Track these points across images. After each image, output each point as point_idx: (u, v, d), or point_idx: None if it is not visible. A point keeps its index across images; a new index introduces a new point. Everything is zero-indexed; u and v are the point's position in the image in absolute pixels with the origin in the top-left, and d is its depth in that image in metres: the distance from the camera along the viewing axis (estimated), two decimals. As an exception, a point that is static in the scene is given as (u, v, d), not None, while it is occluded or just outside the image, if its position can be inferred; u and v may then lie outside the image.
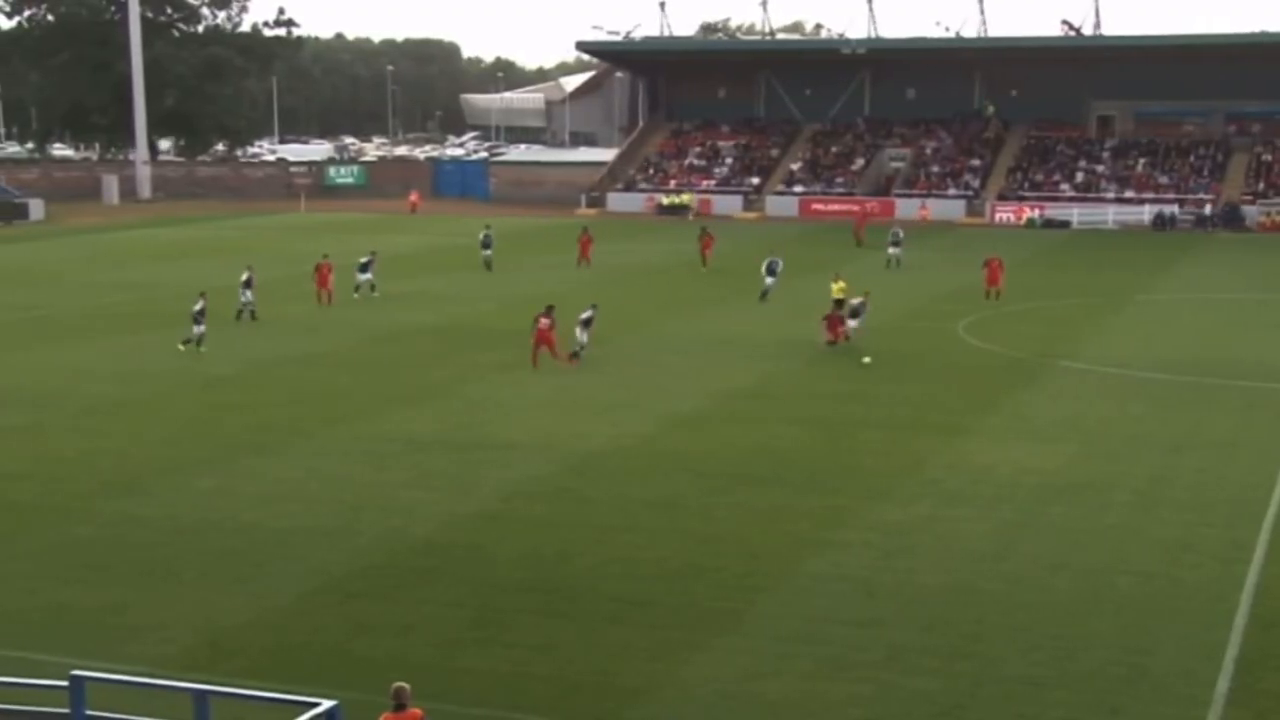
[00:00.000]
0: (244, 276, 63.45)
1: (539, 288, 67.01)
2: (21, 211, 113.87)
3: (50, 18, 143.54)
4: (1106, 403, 47.19)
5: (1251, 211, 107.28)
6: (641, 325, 61.55)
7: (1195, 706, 24.08)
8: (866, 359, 52.51)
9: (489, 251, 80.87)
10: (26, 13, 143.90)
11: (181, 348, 54.30)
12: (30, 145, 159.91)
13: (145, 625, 27.79)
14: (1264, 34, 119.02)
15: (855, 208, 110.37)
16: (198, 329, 54.96)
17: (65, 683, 17.94)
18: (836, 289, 61.56)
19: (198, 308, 55.07)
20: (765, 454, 40.54)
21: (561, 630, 27.67)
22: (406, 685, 19.18)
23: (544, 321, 51.66)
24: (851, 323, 56.32)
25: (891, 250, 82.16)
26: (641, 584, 30.19)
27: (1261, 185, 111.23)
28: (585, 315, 53.46)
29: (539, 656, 26.32)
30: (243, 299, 62.01)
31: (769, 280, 70.56)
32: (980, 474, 38.34)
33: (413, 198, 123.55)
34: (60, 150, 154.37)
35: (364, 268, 71.32)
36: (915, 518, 34.70)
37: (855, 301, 57.63)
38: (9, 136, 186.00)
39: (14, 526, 34.11)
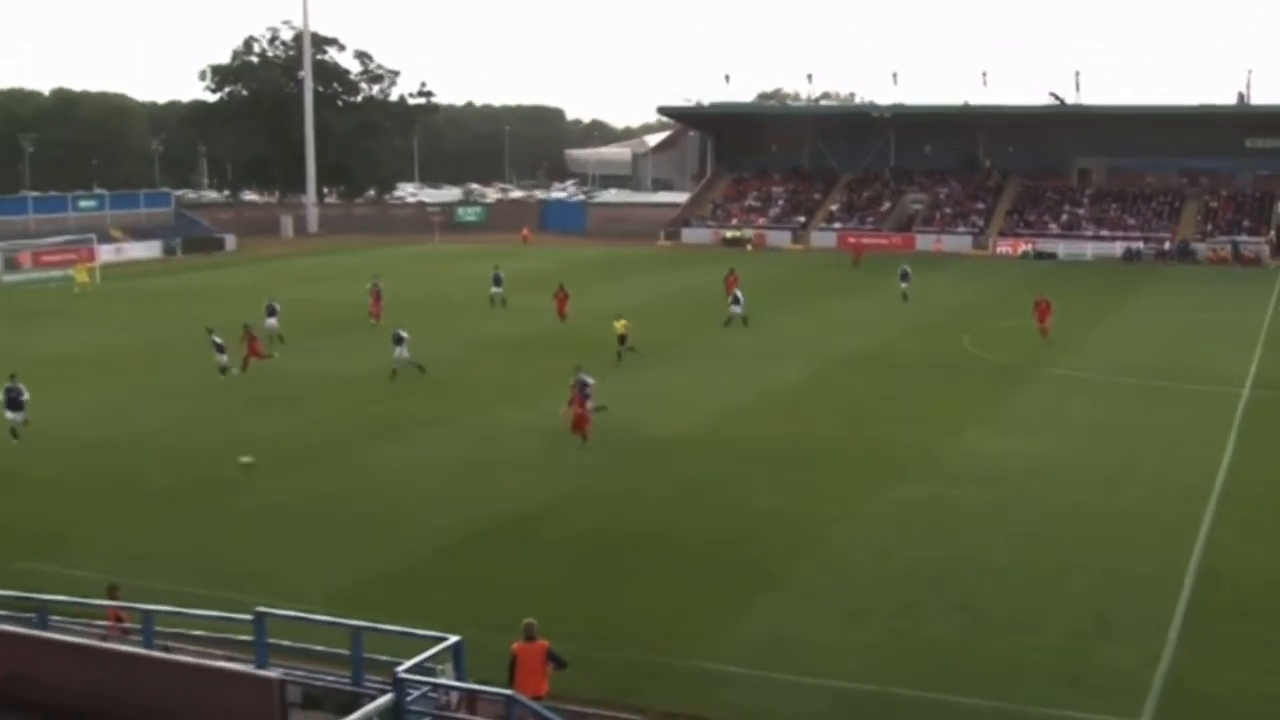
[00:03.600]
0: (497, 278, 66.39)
1: (621, 302, 66.94)
2: (220, 244, 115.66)
3: (244, 92, 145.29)
4: (1081, 401, 46.87)
5: (1201, 248, 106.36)
6: (699, 336, 61.52)
7: (1151, 648, 24.04)
8: (246, 459, 37.52)
9: (499, 289, 72.38)
10: (227, 89, 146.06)
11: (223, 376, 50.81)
12: (226, 192, 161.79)
13: (307, 575, 28.23)
14: (1211, 106, 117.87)
15: (859, 239, 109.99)
16: (221, 357, 50.74)
17: (250, 616, 18.24)
18: (620, 326, 54.91)
19: (218, 340, 51.19)
20: (800, 442, 40.55)
21: (634, 584, 27.84)
22: (534, 620, 19.37)
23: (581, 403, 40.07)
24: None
25: (903, 285, 74.97)
26: (700, 549, 30.29)
27: (1209, 227, 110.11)
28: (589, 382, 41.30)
29: (616, 605, 26.51)
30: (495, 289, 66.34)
31: (903, 285, 73.91)
32: (978, 459, 38.21)
33: (524, 232, 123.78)
34: (249, 196, 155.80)
35: (497, 281, 72.01)
36: (925, 495, 34.65)
37: (588, 380, 41.25)
38: (210, 185, 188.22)
39: (213, 493, 34.70)
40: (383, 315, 64.31)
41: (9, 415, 40.63)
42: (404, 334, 51.02)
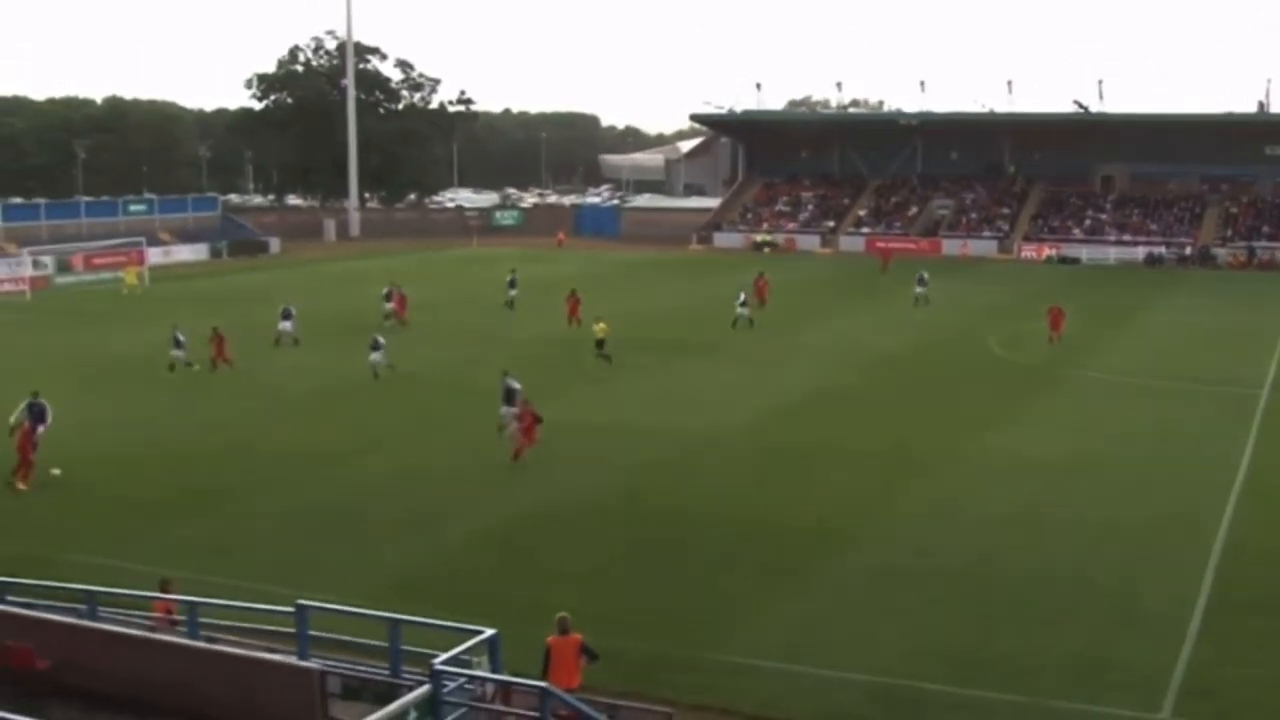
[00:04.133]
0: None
1: (654, 304, 66.90)
2: (264, 247, 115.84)
3: (289, 100, 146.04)
4: (1105, 402, 46.61)
5: (1221, 253, 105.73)
6: (730, 337, 61.42)
7: (1172, 643, 23.88)
8: (55, 470, 35.72)
9: (514, 292, 72.17)
10: (272, 97, 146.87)
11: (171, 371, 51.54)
12: (271, 196, 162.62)
13: (349, 565, 28.26)
14: (1231, 114, 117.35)
15: (888, 244, 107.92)
16: (177, 353, 51.73)
17: (292, 609, 18.23)
18: (599, 329, 54.02)
19: (180, 336, 52.10)
20: (829, 442, 40.41)
21: (666, 579, 27.77)
22: (568, 614, 19.36)
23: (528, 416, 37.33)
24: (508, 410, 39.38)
25: (919, 289, 74.32)
26: (737, 540, 30.26)
27: (1229, 232, 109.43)
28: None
29: (653, 598, 26.47)
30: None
31: (918, 289, 73.78)
32: (1004, 459, 38.01)
33: (560, 236, 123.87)
34: (293, 200, 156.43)
35: (512, 284, 72.25)
36: (952, 493, 34.49)
37: (515, 386, 40.10)
38: (255, 190, 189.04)
39: (259, 487, 34.78)
40: (408, 315, 64.77)
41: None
42: (381, 340, 50.93)
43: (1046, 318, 59.57)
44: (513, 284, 73.05)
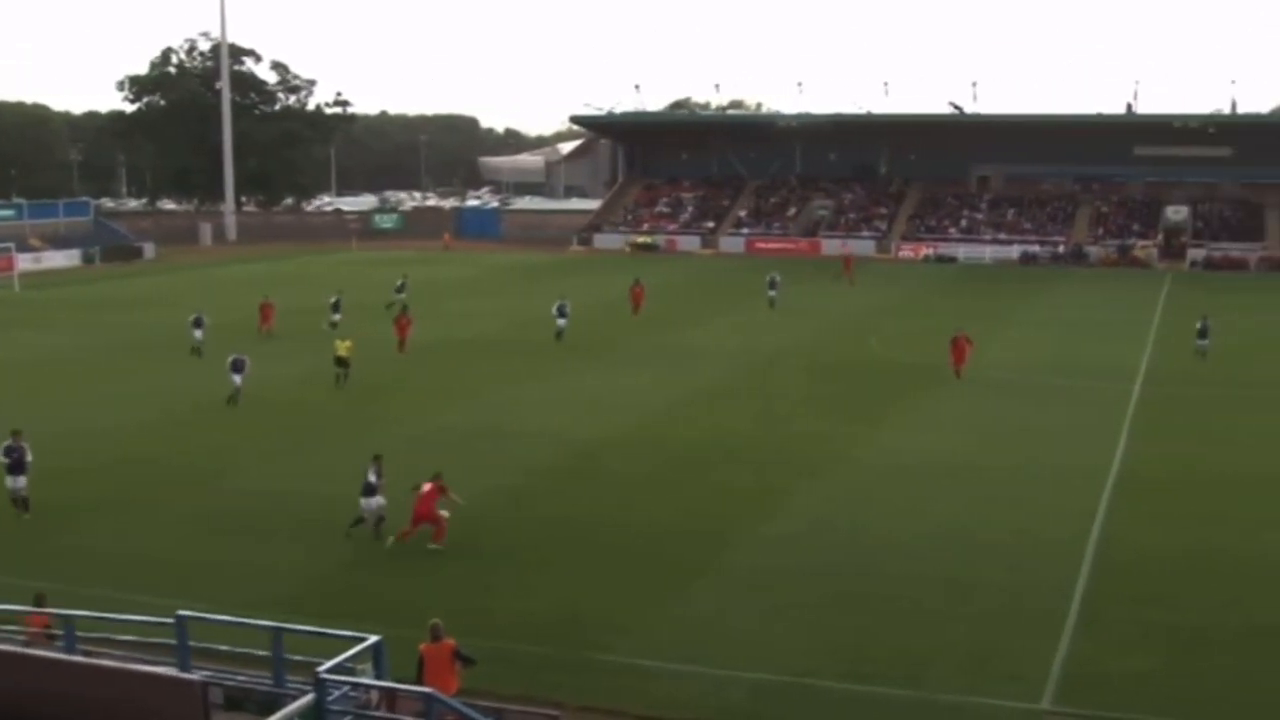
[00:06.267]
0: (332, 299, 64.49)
1: (536, 307, 66.70)
2: (138, 253, 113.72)
3: (163, 102, 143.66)
4: (985, 400, 47.32)
5: (1094, 251, 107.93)
6: (626, 341, 61.45)
7: (1053, 636, 24.28)
8: None
9: (402, 295, 70.63)
10: (145, 100, 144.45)
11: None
12: (145, 200, 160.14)
13: (241, 575, 27.83)
14: (1101, 115, 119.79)
15: (843, 250, 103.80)
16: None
17: (172, 620, 17.90)
18: (343, 347, 49.74)
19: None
20: (718, 442, 40.56)
21: (566, 578, 27.74)
22: (439, 621, 19.23)
23: (426, 487, 30.03)
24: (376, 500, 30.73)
25: (771, 293, 73.51)
26: (630, 542, 30.26)
27: (1100, 231, 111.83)
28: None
29: (541, 601, 26.36)
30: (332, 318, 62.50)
31: (772, 294, 72.30)
32: (889, 456, 38.48)
33: (446, 238, 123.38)
34: (168, 204, 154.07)
35: (400, 289, 71.68)
36: (840, 490, 34.83)
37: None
38: (129, 194, 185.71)
39: (142, 498, 34.12)
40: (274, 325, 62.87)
41: (9, 481, 32.82)
42: (245, 360, 47.53)
43: (950, 350, 51.93)
44: (401, 289, 72.70)
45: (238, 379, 46.72)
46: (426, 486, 29.83)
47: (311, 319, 64.36)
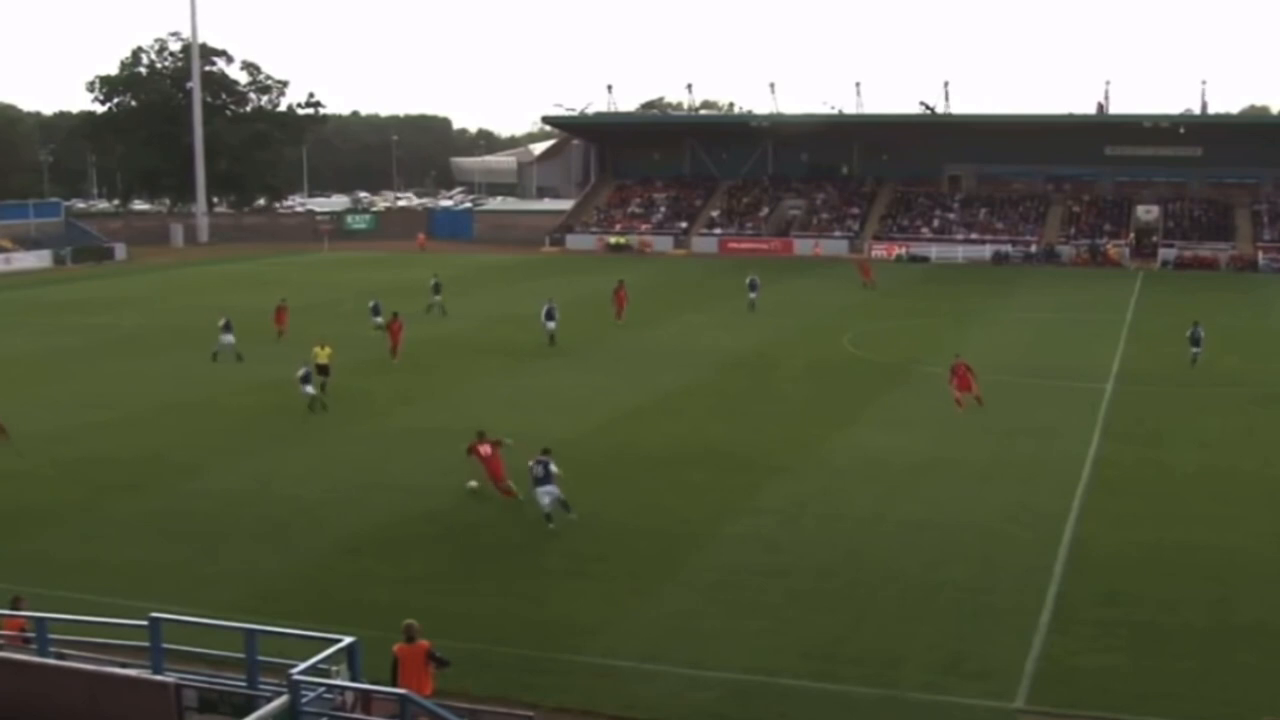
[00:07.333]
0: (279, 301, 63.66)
1: (508, 307, 66.64)
2: (109, 254, 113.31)
3: (133, 103, 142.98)
4: (957, 398, 47.48)
5: (1065, 250, 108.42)
6: (598, 340, 61.42)
7: (1025, 634, 24.35)
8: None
9: (438, 298, 70.45)
10: (115, 100, 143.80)
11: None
12: (116, 201, 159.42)
13: (207, 577, 27.73)
14: (1072, 115, 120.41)
15: (859, 256, 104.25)
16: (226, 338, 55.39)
17: (145, 622, 17.86)
18: (322, 354, 48.23)
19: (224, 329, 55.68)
20: (689, 442, 40.58)
21: (534, 580, 27.70)
22: (415, 621, 19.19)
23: (485, 450, 33.96)
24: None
25: (751, 295, 72.84)
26: (598, 543, 30.24)
27: (1072, 230, 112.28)
28: None
29: (515, 602, 26.34)
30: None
31: (752, 296, 72.20)
32: (861, 455, 38.54)
33: (420, 239, 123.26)
34: (139, 205, 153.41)
35: (436, 289, 70.97)
36: (811, 490, 34.88)
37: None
38: (100, 195, 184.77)
39: (109, 500, 33.96)
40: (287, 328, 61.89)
41: None
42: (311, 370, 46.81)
43: (951, 379, 45.55)
44: (437, 288, 71.28)
45: (309, 389, 45.61)
46: (485, 449, 33.73)
47: (310, 319, 64.20)
